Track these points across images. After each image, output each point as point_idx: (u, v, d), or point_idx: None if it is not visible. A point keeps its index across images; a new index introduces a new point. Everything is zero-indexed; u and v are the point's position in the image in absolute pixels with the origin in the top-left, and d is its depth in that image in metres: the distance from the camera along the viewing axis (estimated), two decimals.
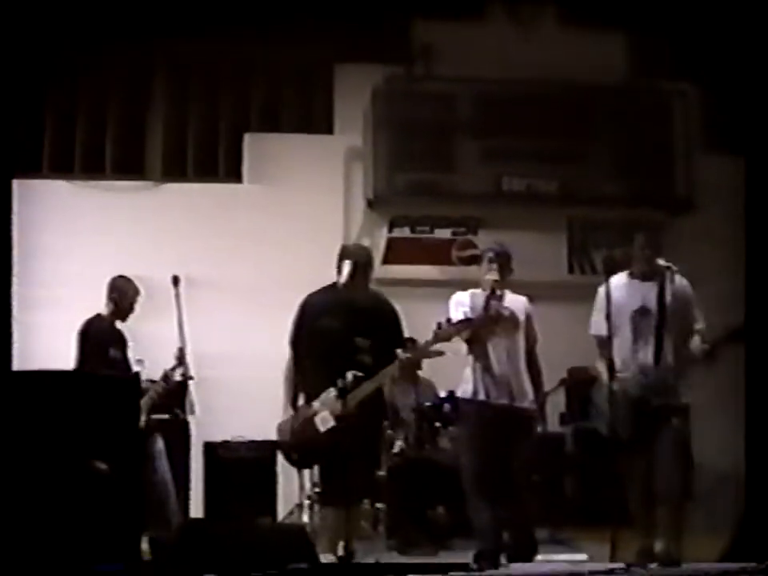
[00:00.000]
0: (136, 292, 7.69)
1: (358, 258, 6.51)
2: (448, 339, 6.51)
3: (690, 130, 9.68)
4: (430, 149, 9.39)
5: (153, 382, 7.34)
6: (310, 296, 6.67)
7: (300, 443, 6.45)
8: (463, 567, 5.40)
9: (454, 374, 6.90)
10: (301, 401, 6.58)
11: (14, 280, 6.64)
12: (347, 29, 9.32)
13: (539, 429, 7.25)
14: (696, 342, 6.47)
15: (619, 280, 6.70)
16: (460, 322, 6.44)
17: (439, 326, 6.40)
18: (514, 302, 6.89)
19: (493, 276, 6.70)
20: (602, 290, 6.52)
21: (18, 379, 5.79)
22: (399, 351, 6.44)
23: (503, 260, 6.81)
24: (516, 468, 6.74)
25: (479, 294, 6.77)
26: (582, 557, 7.57)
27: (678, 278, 6.67)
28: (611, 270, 6.66)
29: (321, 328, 6.46)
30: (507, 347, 6.77)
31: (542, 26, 9.60)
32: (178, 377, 7.47)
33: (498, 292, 6.70)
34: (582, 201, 9.58)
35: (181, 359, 7.41)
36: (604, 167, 9.53)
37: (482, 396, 6.80)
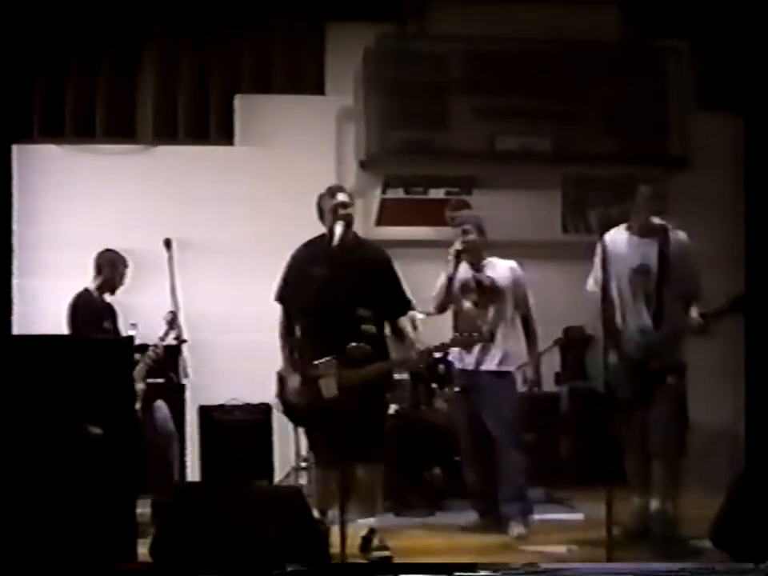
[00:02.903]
0: (124, 264, 7.73)
1: (347, 218, 6.38)
2: (465, 348, 6.95)
3: (685, 87, 9.62)
4: (423, 108, 9.30)
5: (145, 347, 7.35)
6: (298, 249, 6.60)
7: (303, 403, 6.39)
8: (468, 567, 5.42)
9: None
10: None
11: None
12: None
13: (535, 390, 7.47)
14: (692, 314, 6.47)
15: (617, 235, 6.70)
16: (481, 335, 6.61)
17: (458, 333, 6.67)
18: (498, 269, 7.20)
19: (455, 246, 7.10)
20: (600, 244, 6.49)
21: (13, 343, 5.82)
22: (413, 350, 6.47)
23: (470, 230, 7.15)
24: (501, 429, 7.04)
25: (464, 265, 7.15)
26: (578, 516, 7.64)
27: (679, 234, 6.70)
28: (606, 229, 6.64)
29: (311, 278, 6.36)
30: (490, 314, 7.07)
31: None
32: (170, 340, 7.50)
33: (459, 261, 7.05)
34: (576, 159, 9.54)
35: (172, 323, 7.43)
36: (598, 125, 9.46)
37: (459, 363, 7.24)
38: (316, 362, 6.30)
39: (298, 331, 6.52)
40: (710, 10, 9.25)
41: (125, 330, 7.47)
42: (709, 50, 9.63)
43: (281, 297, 6.55)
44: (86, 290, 7.64)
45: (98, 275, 7.68)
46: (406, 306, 6.52)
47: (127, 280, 7.75)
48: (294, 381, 6.41)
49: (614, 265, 6.57)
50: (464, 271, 7.17)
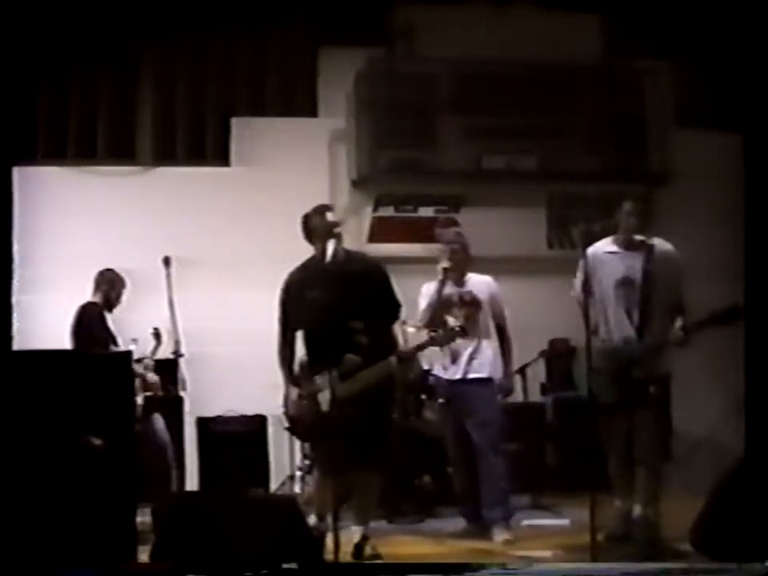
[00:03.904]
0: (122, 284, 7.90)
1: (335, 235, 6.54)
2: (442, 345, 7.06)
3: (664, 105, 9.78)
4: (412, 128, 9.46)
5: (138, 361, 7.53)
6: (292, 273, 6.76)
7: (305, 418, 6.54)
8: (464, 567, 5.57)
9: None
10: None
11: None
12: (329, 12, 9.44)
13: (508, 398, 7.69)
14: (675, 328, 6.59)
15: (603, 247, 6.85)
16: (454, 330, 6.84)
17: (436, 330, 6.90)
18: (477, 284, 7.47)
19: (443, 264, 7.28)
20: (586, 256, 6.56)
21: (14, 359, 5.95)
22: (397, 351, 6.57)
23: (457, 249, 7.39)
24: (483, 435, 7.26)
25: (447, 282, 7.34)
26: (565, 522, 7.80)
27: (665, 246, 6.83)
28: (589, 245, 6.74)
29: (308, 301, 6.50)
30: (469, 325, 7.21)
31: (519, 5, 9.67)
32: (159, 354, 7.69)
33: (447, 278, 7.26)
34: (561, 177, 9.68)
35: (158, 338, 7.64)
36: (582, 144, 9.63)
37: (440, 372, 7.49)
38: (314, 377, 6.48)
39: (299, 348, 6.68)
40: (692, 30, 9.44)
41: (122, 345, 7.65)
42: (690, 68, 9.78)
43: (283, 320, 6.72)
44: (91, 303, 7.82)
45: (95, 293, 7.87)
46: (396, 308, 6.66)
47: (126, 298, 7.93)
48: (294, 396, 6.58)
49: (599, 274, 6.73)
50: (447, 287, 7.37)
